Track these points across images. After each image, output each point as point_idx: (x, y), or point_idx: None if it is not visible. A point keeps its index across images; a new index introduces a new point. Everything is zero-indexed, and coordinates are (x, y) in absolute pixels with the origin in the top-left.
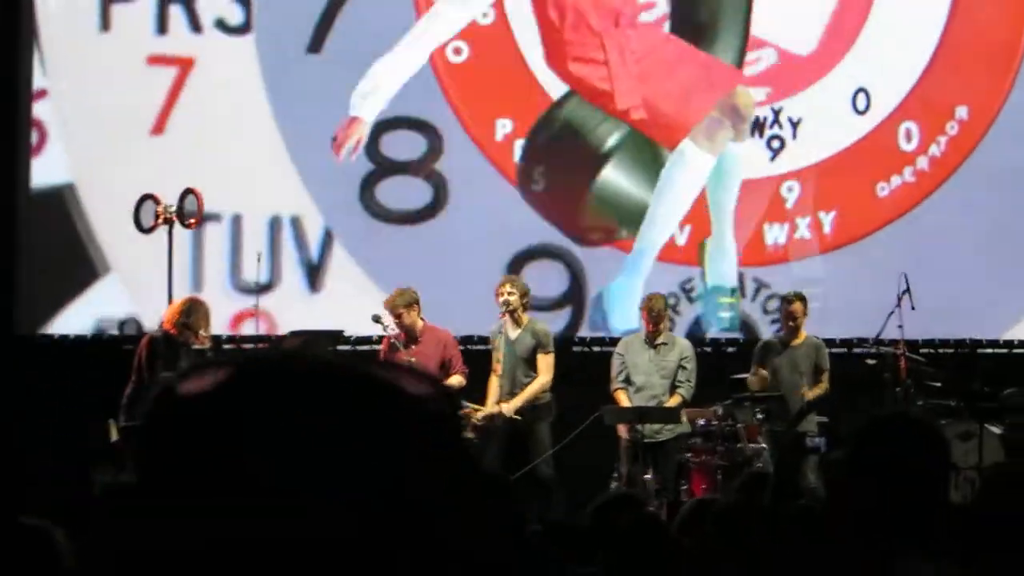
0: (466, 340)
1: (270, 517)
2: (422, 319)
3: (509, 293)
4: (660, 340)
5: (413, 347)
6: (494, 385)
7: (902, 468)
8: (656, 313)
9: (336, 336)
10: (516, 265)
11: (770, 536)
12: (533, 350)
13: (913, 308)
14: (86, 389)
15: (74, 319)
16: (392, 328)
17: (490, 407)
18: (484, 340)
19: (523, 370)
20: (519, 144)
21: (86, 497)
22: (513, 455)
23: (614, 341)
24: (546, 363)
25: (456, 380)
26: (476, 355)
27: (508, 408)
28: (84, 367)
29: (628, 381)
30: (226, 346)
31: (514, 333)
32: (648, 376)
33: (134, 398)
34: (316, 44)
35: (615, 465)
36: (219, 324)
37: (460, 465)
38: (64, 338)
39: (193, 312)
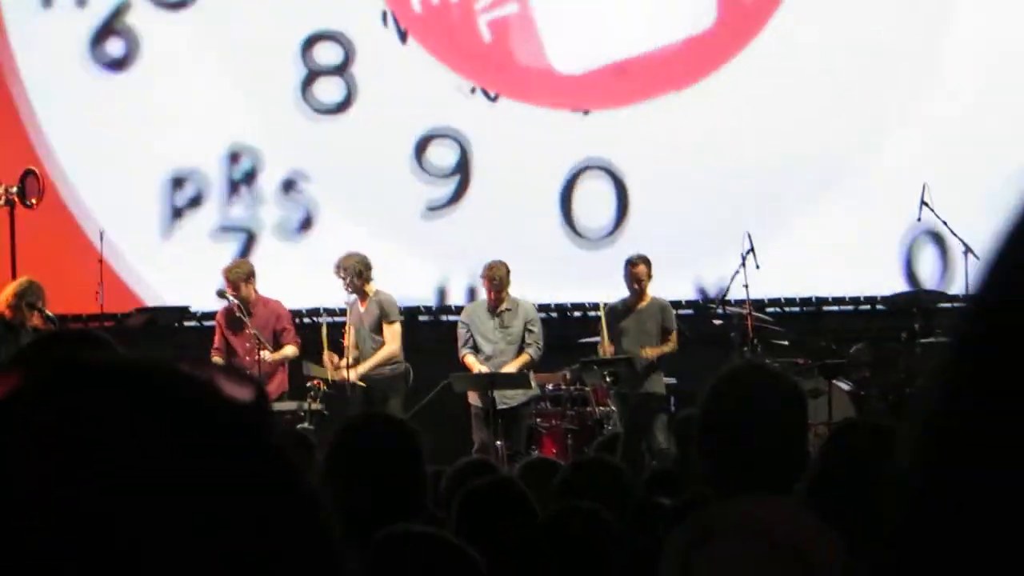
0: (313, 312)
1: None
2: (255, 291)
3: (343, 278)
4: (504, 307)
5: (249, 319)
6: (348, 356)
7: (755, 418)
8: (498, 281)
9: (182, 311)
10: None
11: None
12: (379, 321)
13: (758, 267)
14: None
15: None
16: (232, 299)
17: (336, 372)
18: (331, 312)
19: (372, 342)
20: None
21: None
22: None
23: (459, 310)
24: (392, 332)
25: (290, 350)
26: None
27: (354, 373)
28: None
29: (476, 349)
30: (72, 324)
31: (362, 307)
32: (495, 344)
33: None
34: None
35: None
36: None
37: (282, 473)
38: None
39: (28, 293)
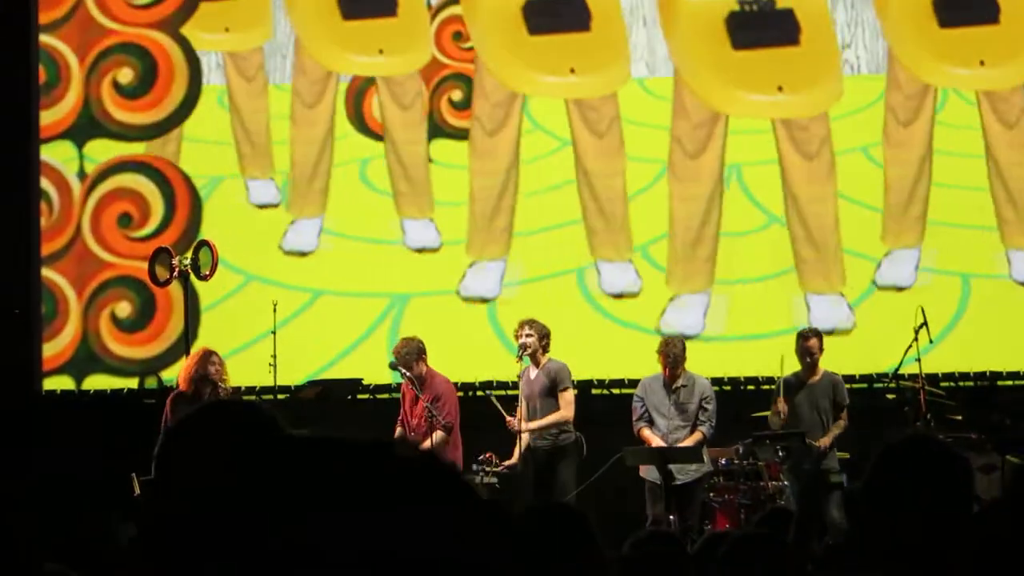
0: (486, 385)
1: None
2: (427, 366)
3: (527, 335)
4: (679, 383)
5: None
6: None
7: (920, 493)
8: (673, 358)
9: (354, 384)
10: None
11: (788, 570)
12: (551, 390)
13: (932, 342)
14: (108, 444)
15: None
16: (407, 374)
17: (515, 456)
18: (504, 385)
19: (544, 410)
20: None
21: (110, 551)
22: (539, 495)
23: (633, 383)
24: (565, 400)
25: (438, 436)
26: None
27: (525, 427)
28: (104, 422)
29: (651, 423)
30: (245, 397)
31: (533, 373)
32: (670, 420)
33: None
34: None
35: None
36: None
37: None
38: (84, 393)
39: (206, 364)
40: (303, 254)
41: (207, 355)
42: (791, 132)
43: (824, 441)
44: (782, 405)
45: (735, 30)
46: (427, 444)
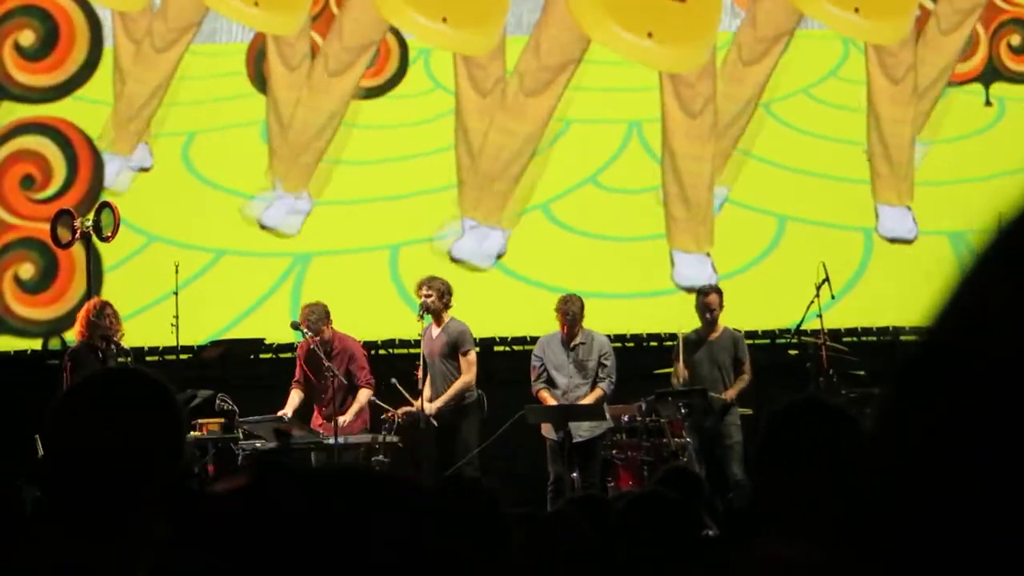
0: (388, 344)
1: None
2: (331, 329)
3: (427, 295)
4: (577, 340)
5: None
6: (422, 388)
7: (812, 453)
8: (572, 315)
9: (256, 344)
10: None
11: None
12: (453, 351)
13: (833, 297)
14: (11, 406)
15: None
16: (310, 334)
17: (413, 405)
18: (406, 343)
19: (445, 369)
20: None
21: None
22: (442, 455)
23: (533, 340)
24: (467, 362)
25: (363, 396)
26: (398, 357)
27: (430, 407)
28: (8, 384)
29: (550, 382)
30: (148, 358)
31: (435, 332)
32: (570, 378)
33: None
34: None
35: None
36: None
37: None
38: None
39: (101, 314)
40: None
41: (99, 306)
42: (677, 88)
43: (730, 393)
44: (682, 370)
45: None
46: (352, 412)
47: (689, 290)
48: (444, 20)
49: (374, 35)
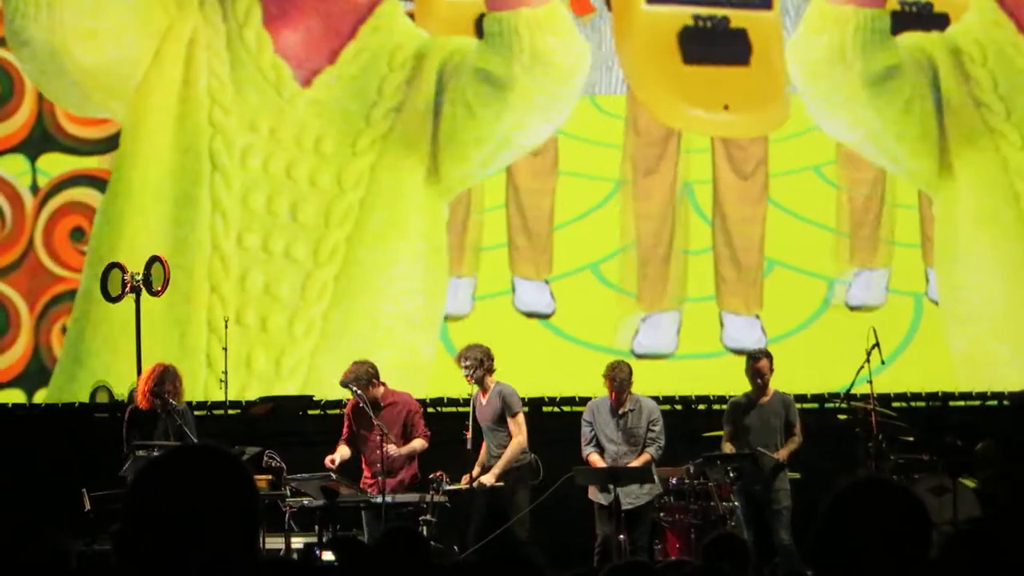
0: (437, 401)
1: None
2: (383, 384)
3: (466, 367)
4: (626, 408)
5: (379, 414)
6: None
7: (879, 535)
8: (619, 383)
9: (305, 401)
10: None
11: None
12: (502, 415)
13: (883, 362)
14: (59, 458)
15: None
16: (358, 391)
17: (464, 479)
18: (454, 402)
19: (497, 434)
20: None
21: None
22: (490, 515)
23: (583, 401)
24: (516, 424)
25: (418, 444)
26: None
27: (487, 479)
28: (56, 435)
29: (599, 447)
30: (196, 412)
31: (484, 399)
32: (618, 445)
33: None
34: None
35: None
36: None
37: None
38: (35, 406)
39: (165, 380)
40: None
41: (163, 372)
42: (728, 150)
43: (782, 453)
44: (728, 447)
45: (687, 44)
46: (406, 449)
47: (738, 352)
48: (726, 108)
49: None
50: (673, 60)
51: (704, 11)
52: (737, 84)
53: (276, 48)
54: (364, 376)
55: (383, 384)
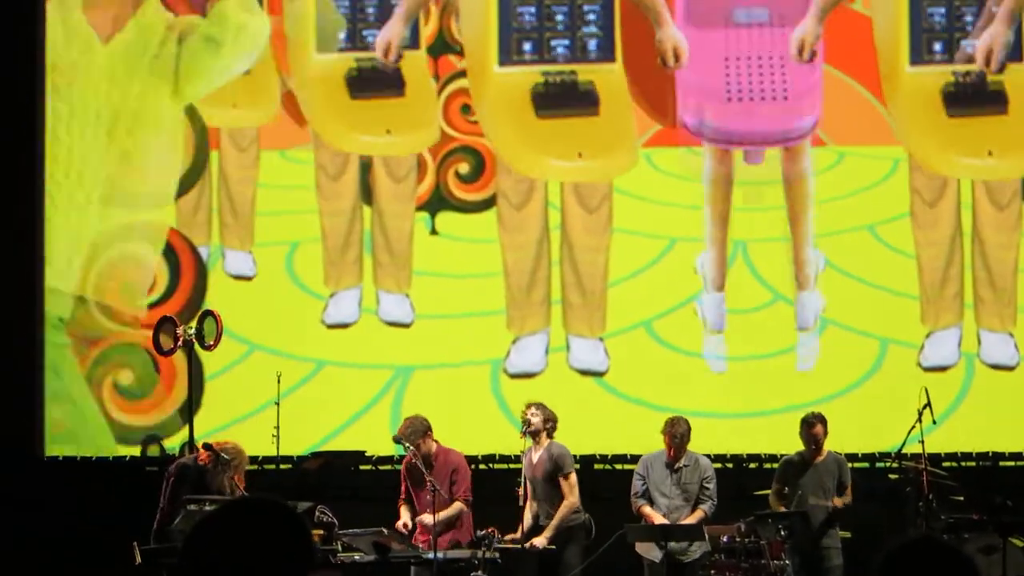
0: (488, 459)
1: None
2: (435, 443)
3: (533, 414)
4: (682, 463)
5: (431, 471)
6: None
7: None
8: (679, 438)
9: (357, 456)
10: None
11: None
12: (553, 474)
13: (935, 422)
14: (109, 512)
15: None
16: (411, 447)
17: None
18: (506, 459)
19: (548, 491)
20: None
21: None
22: (542, 574)
23: (635, 458)
24: (568, 485)
25: (455, 508)
26: (499, 473)
27: (540, 541)
28: (105, 488)
29: (650, 502)
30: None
31: (535, 456)
32: (671, 500)
33: (162, 523)
34: None
35: None
36: None
37: None
38: (86, 460)
39: (235, 458)
40: (345, 326)
41: (243, 456)
42: (576, 188)
43: (836, 502)
44: (776, 503)
45: (950, 101)
46: (443, 515)
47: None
48: (580, 155)
49: None
50: (938, 114)
51: (553, 68)
52: (590, 132)
53: None
54: (419, 430)
55: (436, 441)
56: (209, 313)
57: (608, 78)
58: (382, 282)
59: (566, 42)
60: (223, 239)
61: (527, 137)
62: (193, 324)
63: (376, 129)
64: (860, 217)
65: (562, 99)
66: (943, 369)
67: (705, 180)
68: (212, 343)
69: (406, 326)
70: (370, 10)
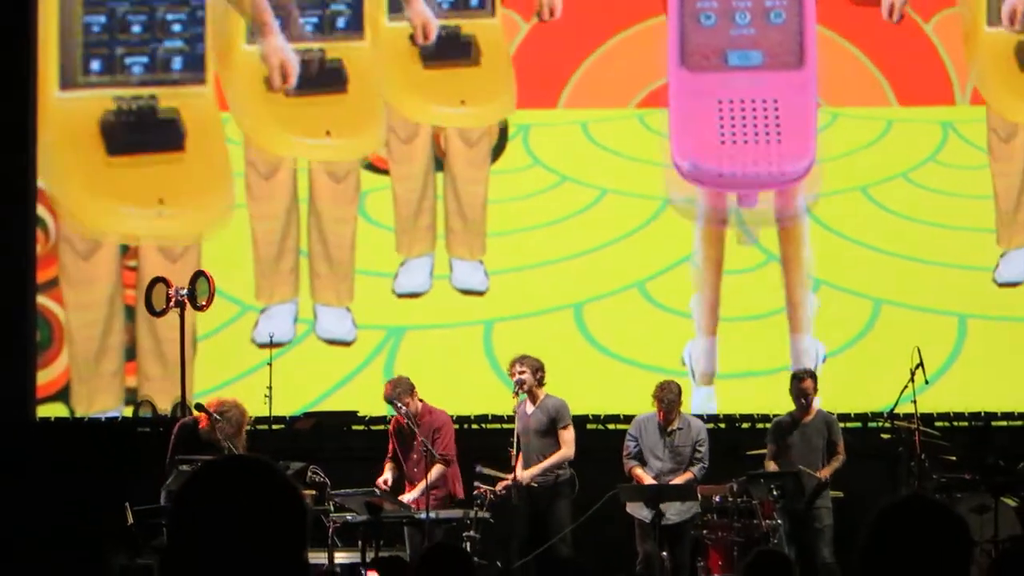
0: (480, 419)
1: None
2: (420, 400)
3: (520, 372)
4: (675, 426)
5: (418, 429)
6: (516, 463)
7: (920, 553)
8: (668, 403)
9: (349, 416)
10: None
11: None
12: (550, 428)
13: (927, 382)
14: (101, 472)
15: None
16: (403, 408)
17: (508, 479)
18: (499, 419)
19: (541, 446)
20: None
21: None
22: (534, 534)
23: (628, 419)
24: (565, 439)
25: (435, 471)
26: (490, 433)
27: (524, 475)
28: (99, 449)
29: (642, 463)
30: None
31: (530, 409)
32: (663, 463)
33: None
34: None
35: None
36: None
37: None
38: (79, 420)
39: (230, 411)
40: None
41: (241, 412)
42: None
43: (824, 472)
44: (771, 464)
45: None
46: (422, 482)
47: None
48: (463, 103)
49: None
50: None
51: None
52: (472, 82)
53: None
54: (405, 389)
55: (421, 400)
56: (202, 273)
57: (488, 32)
58: (455, 250)
59: None
60: None
61: (414, 86)
62: (186, 284)
63: (317, 131)
64: (853, 178)
65: (446, 50)
66: (1014, 285)
67: (697, 223)
68: (205, 303)
69: (480, 294)
70: None
